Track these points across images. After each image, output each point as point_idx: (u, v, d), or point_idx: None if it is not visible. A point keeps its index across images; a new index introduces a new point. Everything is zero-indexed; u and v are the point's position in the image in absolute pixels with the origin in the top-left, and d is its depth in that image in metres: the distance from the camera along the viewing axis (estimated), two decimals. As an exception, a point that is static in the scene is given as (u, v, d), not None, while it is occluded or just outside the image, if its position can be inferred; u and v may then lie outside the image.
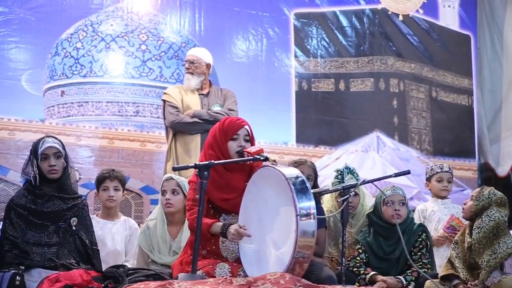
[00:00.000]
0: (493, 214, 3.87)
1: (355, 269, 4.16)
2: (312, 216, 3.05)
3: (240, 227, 3.30)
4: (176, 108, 5.23)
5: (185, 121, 5.20)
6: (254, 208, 3.36)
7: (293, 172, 3.21)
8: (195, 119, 5.19)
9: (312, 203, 3.08)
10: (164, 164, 5.39)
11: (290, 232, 3.05)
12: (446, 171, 5.07)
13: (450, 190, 5.13)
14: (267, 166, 3.35)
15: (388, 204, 4.15)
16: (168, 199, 4.17)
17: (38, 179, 3.84)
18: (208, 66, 5.39)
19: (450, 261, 3.99)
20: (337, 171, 4.50)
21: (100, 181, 4.59)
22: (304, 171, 4.37)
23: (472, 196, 4.01)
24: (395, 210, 4.15)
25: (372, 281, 4.06)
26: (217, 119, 4.92)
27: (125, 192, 4.83)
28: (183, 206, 4.13)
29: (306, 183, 3.14)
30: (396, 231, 3.81)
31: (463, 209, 4.10)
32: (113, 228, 4.57)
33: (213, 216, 3.51)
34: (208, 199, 3.40)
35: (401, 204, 4.24)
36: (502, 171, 7.98)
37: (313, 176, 4.45)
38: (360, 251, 4.25)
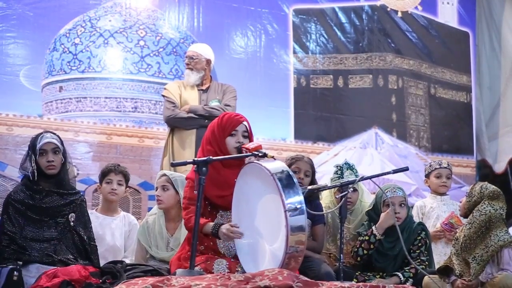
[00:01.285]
0: (484, 208, 3.81)
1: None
2: (300, 210, 3.03)
3: (232, 226, 3.29)
4: (173, 103, 5.23)
5: (180, 116, 5.19)
6: (245, 205, 3.35)
7: (278, 166, 3.17)
8: (191, 115, 5.18)
9: (300, 197, 3.06)
10: (161, 159, 5.39)
11: (280, 228, 3.04)
12: (445, 167, 5.07)
13: (449, 187, 5.13)
14: (252, 162, 3.32)
15: (388, 206, 4.13)
16: (158, 195, 4.18)
17: (36, 175, 3.84)
18: (208, 61, 5.38)
19: (450, 257, 3.98)
20: (337, 166, 4.49)
21: (105, 173, 4.61)
22: (302, 167, 4.38)
23: (467, 193, 3.99)
24: (396, 212, 4.14)
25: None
26: (213, 114, 4.93)
27: (126, 189, 4.83)
28: (176, 202, 4.13)
29: (293, 177, 3.11)
30: (396, 228, 3.82)
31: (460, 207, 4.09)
32: (113, 224, 4.57)
33: (211, 213, 3.51)
34: (205, 196, 3.37)
35: (401, 205, 4.23)
36: (499, 167, 7.98)
37: (311, 172, 4.43)
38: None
